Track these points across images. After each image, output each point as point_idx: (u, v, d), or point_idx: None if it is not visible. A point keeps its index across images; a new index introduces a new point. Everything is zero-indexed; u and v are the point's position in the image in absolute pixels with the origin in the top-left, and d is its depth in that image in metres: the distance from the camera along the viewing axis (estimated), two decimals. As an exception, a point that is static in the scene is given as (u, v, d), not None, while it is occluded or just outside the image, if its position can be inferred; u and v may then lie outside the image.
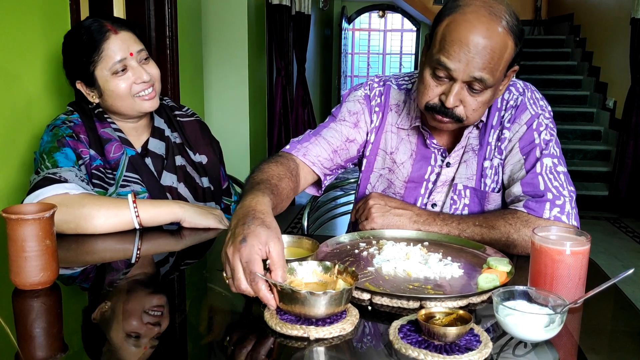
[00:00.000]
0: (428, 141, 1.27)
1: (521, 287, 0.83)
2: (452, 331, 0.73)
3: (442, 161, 1.28)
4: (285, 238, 1.01)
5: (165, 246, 1.22)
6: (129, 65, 1.30)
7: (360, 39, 11.66)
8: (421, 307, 0.86)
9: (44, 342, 0.79)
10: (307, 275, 0.88)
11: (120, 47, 1.29)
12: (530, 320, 0.75)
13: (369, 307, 0.88)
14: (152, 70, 1.34)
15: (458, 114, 1.12)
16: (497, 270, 0.95)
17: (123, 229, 1.20)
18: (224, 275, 0.84)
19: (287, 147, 1.29)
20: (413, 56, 11.24)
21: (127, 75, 1.30)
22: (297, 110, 5.00)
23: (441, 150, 1.27)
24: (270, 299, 0.80)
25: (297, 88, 5.07)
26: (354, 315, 0.82)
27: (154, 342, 0.77)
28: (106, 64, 1.28)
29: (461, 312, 0.77)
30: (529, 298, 0.82)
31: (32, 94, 1.58)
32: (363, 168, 1.36)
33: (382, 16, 11.54)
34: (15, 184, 1.52)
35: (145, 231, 1.22)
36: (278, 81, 4.54)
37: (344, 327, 0.78)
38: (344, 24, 9.24)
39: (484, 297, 0.91)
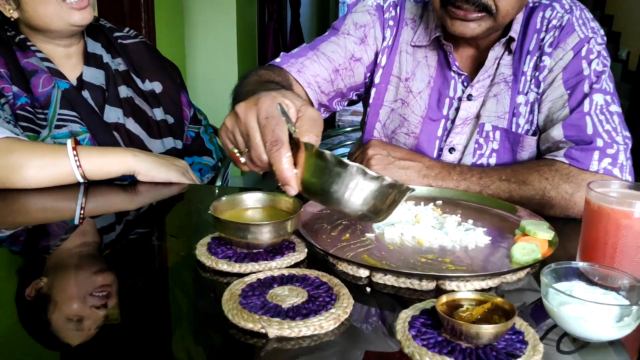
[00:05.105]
0: (450, 60, 1.03)
1: (579, 264, 0.60)
2: (489, 330, 0.50)
3: (463, 92, 1.04)
4: (258, 195, 0.79)
5: (116, 204, 1.01)
6: None
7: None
8: (438, 288, 0.64)
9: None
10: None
11: None
12: (597, 313, 0.53)
13: (367, 289, 0.65)
14: None
15: (484, 0, 0.89)
16: (536, 237, 0.73)
17: (62, 182, 1.00)
18: (230, 150, 0.67)
19: (278, 60, 1.06)
20: None
21: None
22: (291, 59, 4.72)
23: (462, 76, 1.04)
24: (291, 178, 0.61)
25: (290, 35, 4.78)
26: (342, 307, 0.58)
27: (98, 323, 0.58)
28: None
29: (499, 299, 0.55)
30: (586, 279, 0.60)
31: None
32: (371, 101, 1.12)
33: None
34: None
35: (91, 185, 1.02)
36: (270, 25, 4.27)
37: (321, 325, 0.55)
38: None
39: (521, 274, 0.68)
